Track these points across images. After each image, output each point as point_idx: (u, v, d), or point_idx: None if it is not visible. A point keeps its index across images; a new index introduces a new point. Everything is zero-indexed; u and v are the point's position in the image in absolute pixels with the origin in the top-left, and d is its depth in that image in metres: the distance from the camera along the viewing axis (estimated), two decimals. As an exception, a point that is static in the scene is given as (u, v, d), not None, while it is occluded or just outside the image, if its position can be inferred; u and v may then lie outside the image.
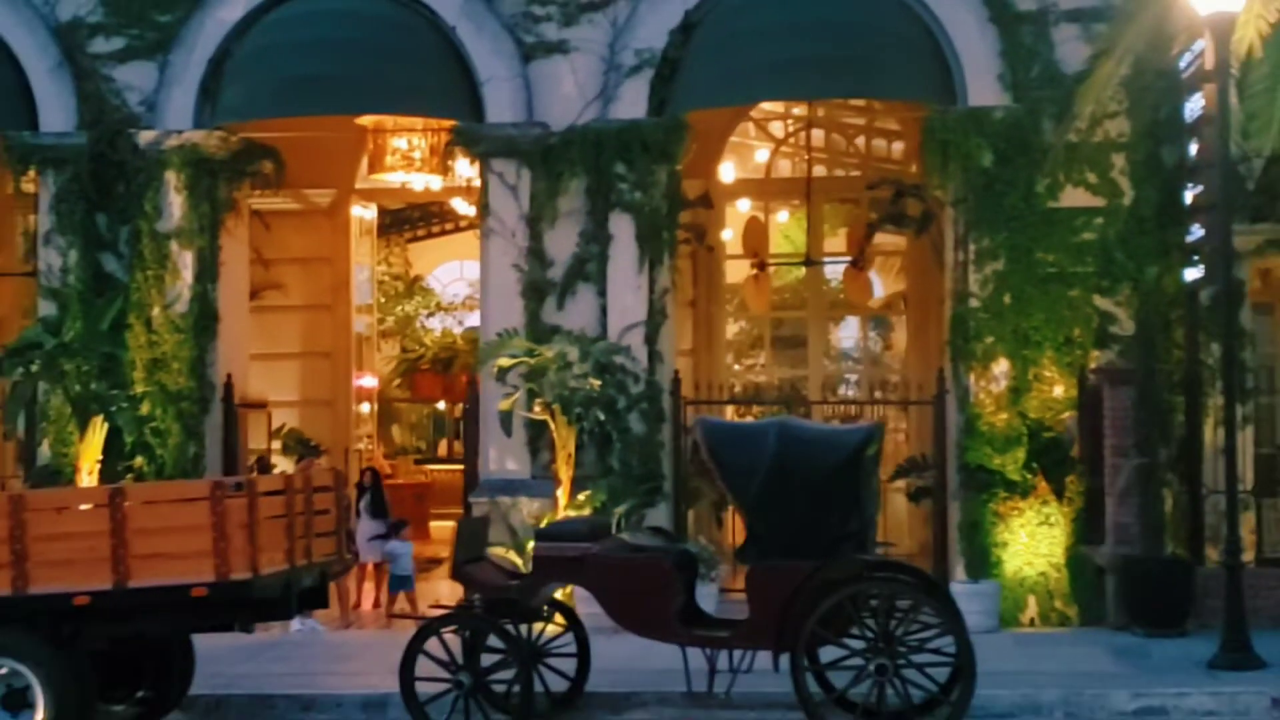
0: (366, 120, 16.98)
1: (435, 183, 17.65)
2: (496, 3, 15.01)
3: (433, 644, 9.84)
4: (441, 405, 24.52)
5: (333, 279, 18.71)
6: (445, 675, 9.69)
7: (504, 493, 14.66)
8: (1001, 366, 14.28)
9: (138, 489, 9.90)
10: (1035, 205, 14.27)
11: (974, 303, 14.35)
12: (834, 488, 9.31)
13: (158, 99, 15.40)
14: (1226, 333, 12.41)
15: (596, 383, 14.29)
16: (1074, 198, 14.31)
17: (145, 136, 15.30)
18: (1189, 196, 13.94)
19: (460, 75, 15.06)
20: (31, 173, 15.55)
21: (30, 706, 9.16)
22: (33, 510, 9.25)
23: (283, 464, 17.04)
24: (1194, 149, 13.78)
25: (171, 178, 15.27)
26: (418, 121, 16.98)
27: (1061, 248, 14.30)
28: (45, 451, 15.30)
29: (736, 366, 18.80)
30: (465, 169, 17.73)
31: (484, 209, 15.13)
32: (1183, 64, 13.84)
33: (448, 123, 16.86)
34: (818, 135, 18.41)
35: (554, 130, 14.87)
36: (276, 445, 17.65)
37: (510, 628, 9.84)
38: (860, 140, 19.59)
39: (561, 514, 14.15)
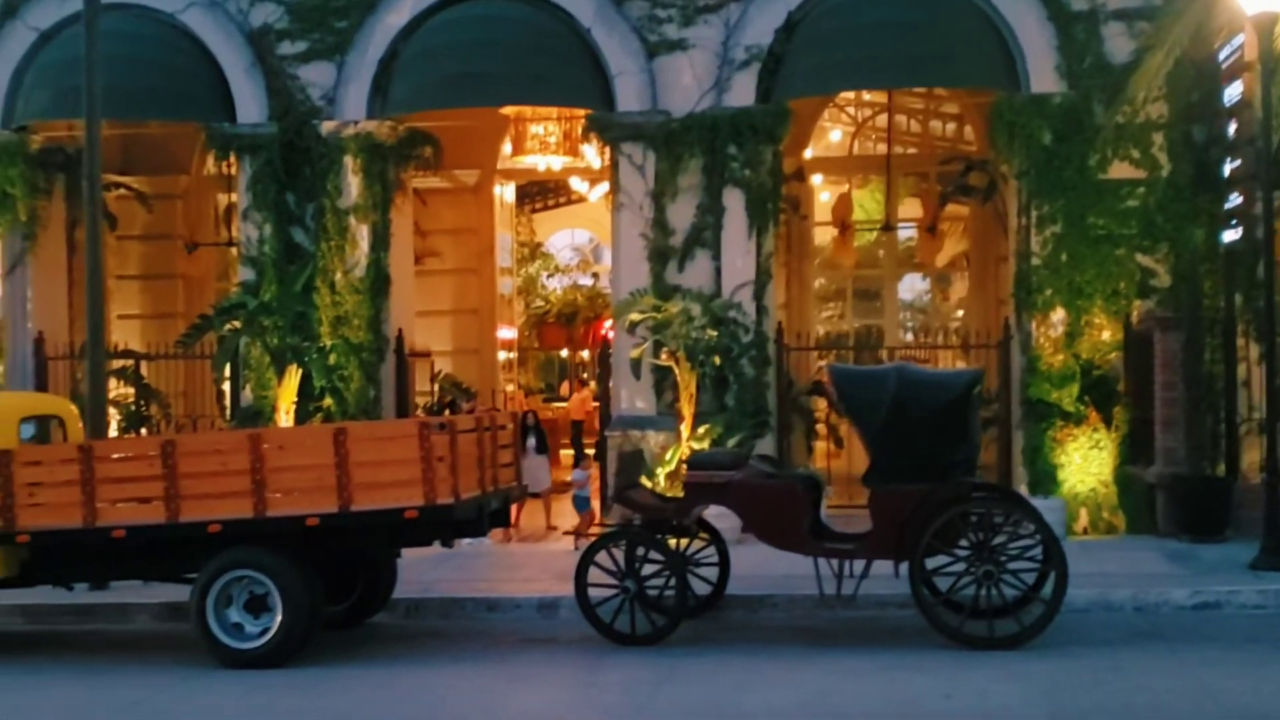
0: (509, 110, 16.91)
1: (563, 163, 17.56)
2: (625, 6, 14.88)
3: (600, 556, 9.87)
4: (564, 353, 24.52)
5: (478, 247, 18.76)
6: (612, 583, 9.70)
7: (634, 427, 14.78)
8: (1058, 315, 14.32)
9: (357, 428, 9.99)
10: (1087, 177, 14.29)
11: (1035, 261, 14.29)
12: (946, 421, 9.34)
13: (337, 94, 15.41)
14: (1267, 284, 12.22)
15: (714, 333, 14.34)
16: (1120, 171, 14.34)
17: (327, 126, 15.36)
18: (1227, 170, 13.64)
19: (594, 70, 14.94)
20: (231, 158, 15.66)
21: (270, 610, 9.34)
22: (269, 445, 9.34)
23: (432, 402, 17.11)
24: (1232, 129, 13.46)
25: (349, 162, 15.38)
26: (553, 111, 16.90)
27: (1109, 213, 14.27)
28: (247, 395, 15.48)
29: (822, 316, 18.65)
30: (589, 152, 17.76)
31: (615, 186, 15.06)
32: (1221, 56, 13.51)
33: (579, 111, 16.86)
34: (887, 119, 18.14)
35: (675, 117, 14.73)
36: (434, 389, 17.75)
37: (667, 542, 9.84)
38: (919, 122, 19.27)
39: (684, 445, 14.20)
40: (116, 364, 17.48)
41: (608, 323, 24.46)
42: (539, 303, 23.38)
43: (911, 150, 18.36)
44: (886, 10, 14.13)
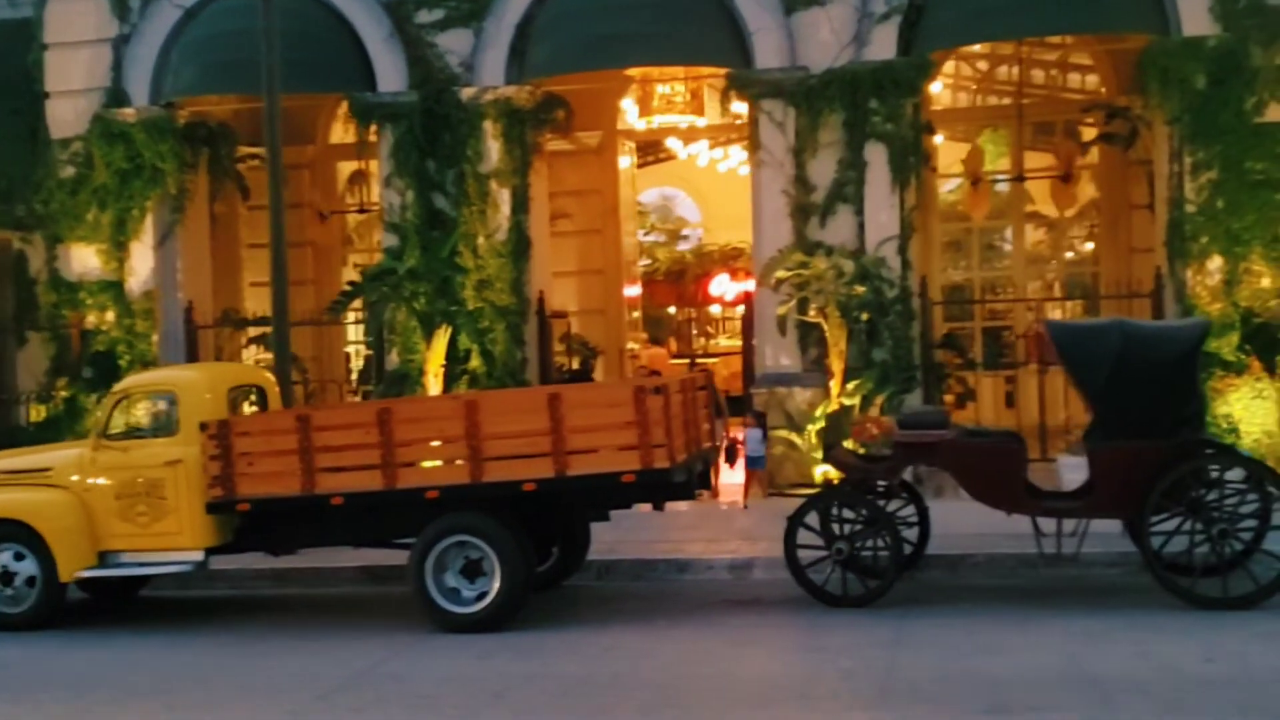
0: (635, 70, 16.50)
1: (689, 122, 17.14)
2: (761, -37, 14.37)
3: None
4: (672, 309, 24.19)
5: (602, 207, 18.40)
6: (818, 544, 9.44)
7: (780, 384, 14.43)
8: (1215, 262, 13.69)
9: (572, 392, 9.74)
10: (1244, 121, 13.58)
11: (1190, 208, 13.68)
12: (1173, 376, 8.90)
13: (474, 60, 15.09)
14: None
15: (861, 289, 13.91)
16: (1278, 113, 13.48)
17: (466, 93, 15.06)
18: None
19: (730, 28, 14.48)
20: (372, 126, 15.37)
21: (485, 574, 9.17)
22: (484, 411, 9.13)
23: (567, 364, 16.89)
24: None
25: (488, 127, 15.06)
26: (679, 70, 16.45)
27: (1268, 157, 13.60)
28: (393, 359, 15.31)
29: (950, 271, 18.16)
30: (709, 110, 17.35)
31: (755, 144, 14.64)
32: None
33: (705, 70, 16.41)
34: (1013, 71, 17.51)
35: (814, 73, 14.28)
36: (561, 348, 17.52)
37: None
38: (1043, 72, 18.60)
39: (834, 401, 13.87)
40: (253, 331, 17.57)
41: (717, 278, 24.32)
42: (646, 260, 23.04)
43: (1038, 99, 17.75)
44: (1030, -42, 13.57)
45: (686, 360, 21.14)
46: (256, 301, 18.09)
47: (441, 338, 14.99)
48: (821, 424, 13.96)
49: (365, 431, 9.12)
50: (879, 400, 13.98)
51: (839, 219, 14.57)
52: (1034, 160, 17.85)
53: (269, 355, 17.88)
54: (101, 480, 9.61)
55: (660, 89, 16.86)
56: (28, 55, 16.08)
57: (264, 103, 12.59)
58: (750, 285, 23.03)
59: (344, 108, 16.31)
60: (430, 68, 15.29)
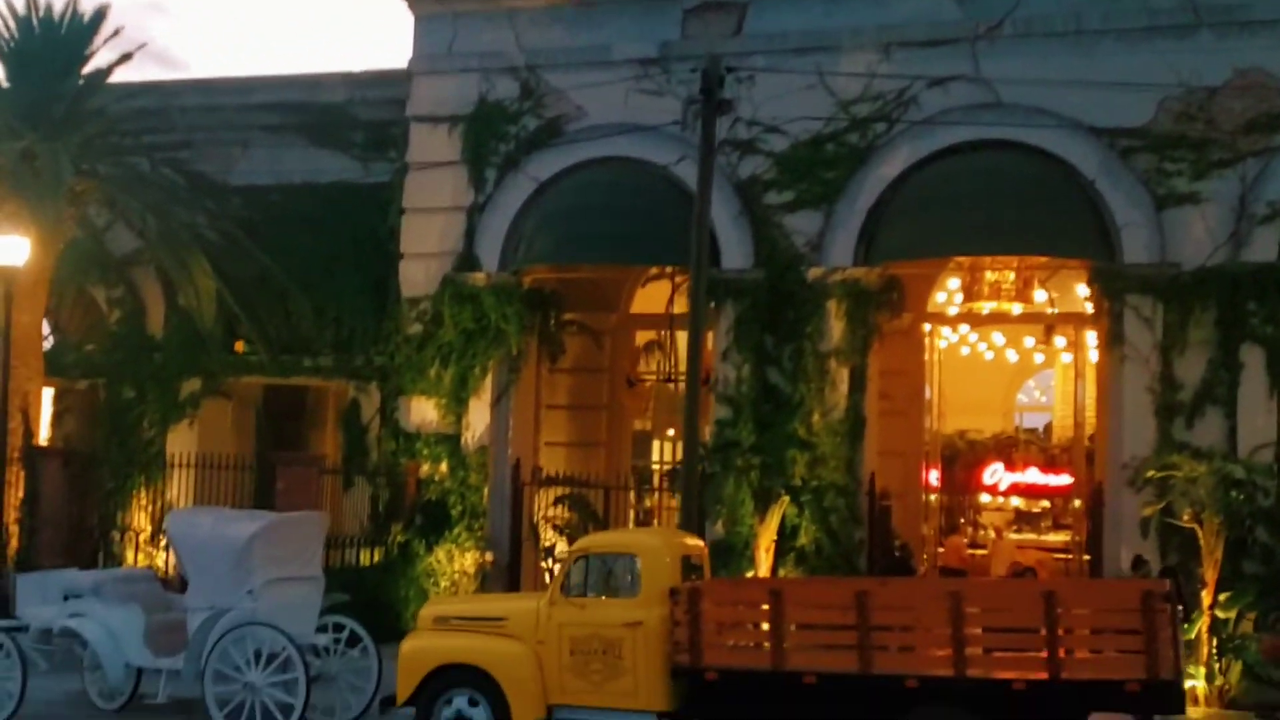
0: (964, 257, 16.06)
1: (1020, 309, 16.54)
2: (1131, 159, 13.87)
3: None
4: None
5: (908, 389, 17.74)
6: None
7: (1137, 589, 13.25)
8: None
9: (1074, 590, 9.00)
10: None
11: None
12: None
13: (823, 241, 14.83)
14: None
15: (1239, 495, 12.82)
16: None
17: (813, 273, 14.74)
18: None
19: (1095, 220, 13.95)
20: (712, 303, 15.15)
21: None
22: (970, 602, 8.44)
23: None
24: None
25: (832, 306, 14.66)
26: (1012, 259, 15.96)
27: None
28: (718, 530, 14.72)
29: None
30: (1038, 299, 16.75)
31: (1116, 338, 13.87)
32: None
33: (1035, 259, 15.89)
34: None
35: (1185, 269, 13.59)
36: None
37: None
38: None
39: (1206, 612, 12.68)
40: (556, 490, 17.31)
41: (992, 466, 23.32)
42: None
43: None
44: None
45: (981, 550, 20.09)
46: (549, 460, 17.87)
47: (776, 513, 14.38)
48: (1191, 635, 12.79)
49: (841, 612, 8.54)
50: (1251, 615, 12.80)
51: (1207, 420, 13.64)
52: None
53: (571, 514, 17.68)
54: (557, 635, 9.29)
55: (989, 275, 16.37)
56: (381, 218, 16.56)
57: (689, 276, 12.41)
58: (1033, 476, 22.26)
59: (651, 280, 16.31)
60: (775, 247, 15.12)
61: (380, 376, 16.31)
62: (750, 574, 13.83)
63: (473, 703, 9.56)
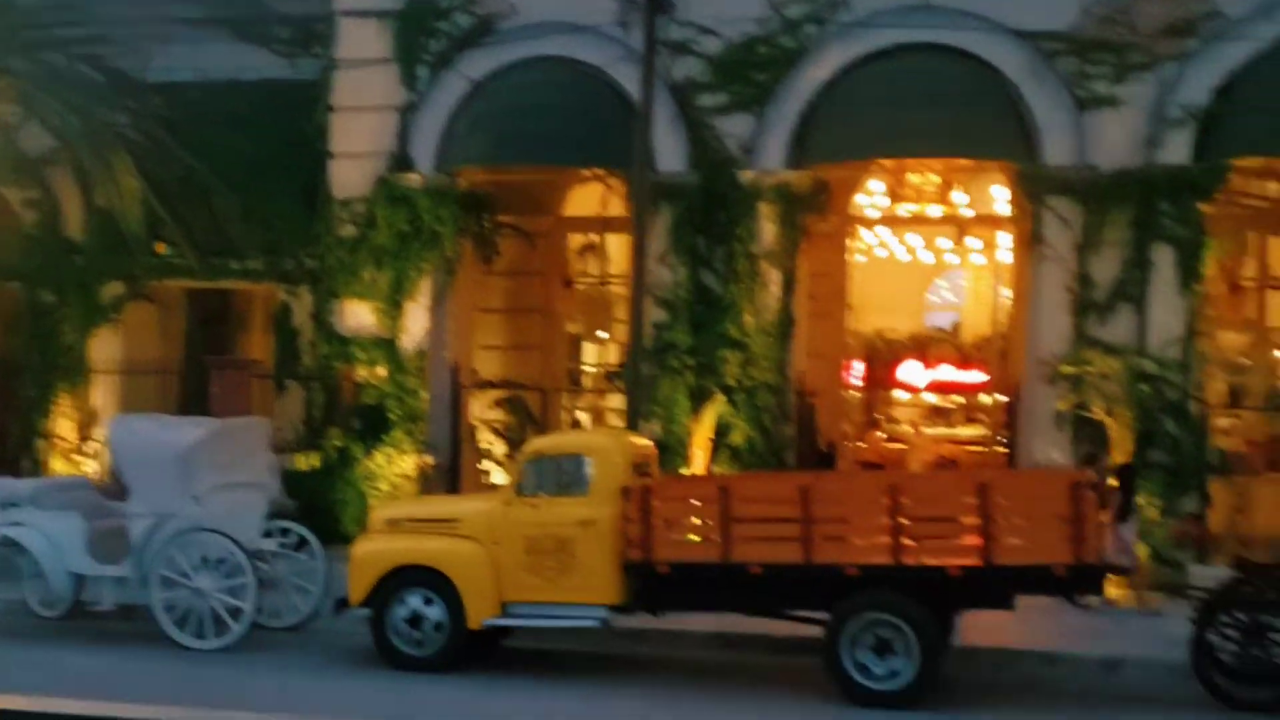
0: (889, 160, 16.36)
1: (941, 211, 16.98)
2: (1054, 62, 14.21)
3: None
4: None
5: (831, 289, 18.11)
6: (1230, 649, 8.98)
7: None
8: None
9: (1006, 480, 9.59)
10: None
11: None
12: None
13: (755, 144, 14.98)
14: None
15: (1147, 388, 13.55)
16: None
17: (745, 176, 14.91)
18: None
19: (1017, 123, 14.31)
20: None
21: (897, 653, 8.96)
22: (907, 492, 8.87)
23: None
24: None
25: (764, 209, 14.88)
26: (936, 162, 16.31)
27: None
28: (654, 430, 15.04)
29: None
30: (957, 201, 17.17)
31: (1036, 239, 14.36)
32: None
33: (958, 162, 16.25)
34: None
35: (1104, 172, 14.07)
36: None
37: None
38: None
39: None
40: (494, 393, 17.43)
41: (908, 365, 23.96)
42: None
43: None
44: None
45: (899, 445, 20.78)
46: (485, 363, 17.99)
47: (711, 412, 14.76)
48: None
49: (788, 505, 8.94)
50: (1159, 503, 13.55)
51: (1120, 318, 14.24)
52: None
53: (509, 417, 17.84)
54: (511, 534, 9.54)
55: (912, 177, 16.73)
56: (308, 117, 16.27)
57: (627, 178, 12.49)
58: (948, 373, 22.93)
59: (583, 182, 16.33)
60: (709, 150, 15.20)
61: (311, 279, 16.13)
62: (686, 472, 14.22)
63: (428, 602, 9.80)
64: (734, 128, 15.11)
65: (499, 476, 16.26)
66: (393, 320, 15.57)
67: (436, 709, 8.95)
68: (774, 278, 14.99)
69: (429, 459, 15.36)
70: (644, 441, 10.75)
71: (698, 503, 9.32)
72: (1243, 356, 16.19)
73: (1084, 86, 14.22)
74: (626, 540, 9.28)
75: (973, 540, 8.69)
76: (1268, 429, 15.81)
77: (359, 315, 15.67)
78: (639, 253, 13.02)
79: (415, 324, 15.62)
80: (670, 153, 15.20)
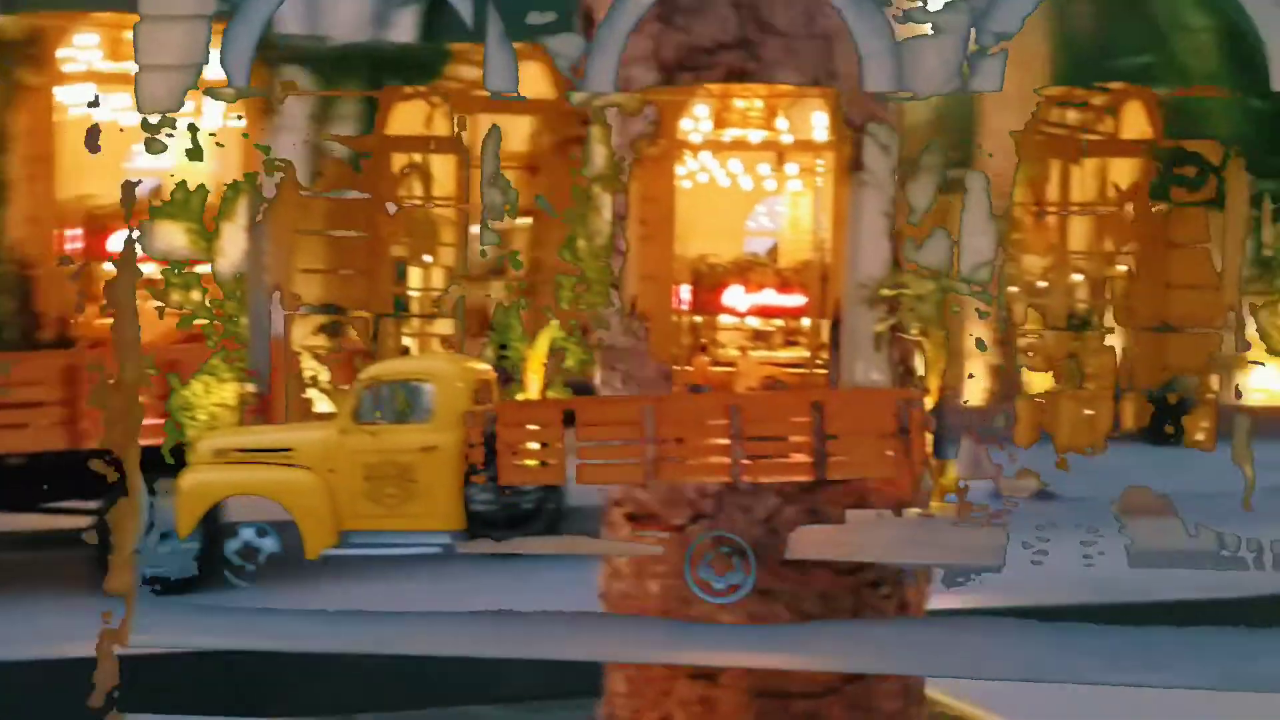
0: (716, 86, 16.44)
1: (763, 137, 17.18)
2: (875, -8, 14.52)
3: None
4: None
5: (657, 215, 18.17)
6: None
7: (871, 397, 14.56)
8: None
9: (838, 400, 10.42)
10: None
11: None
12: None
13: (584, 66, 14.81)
14: None
15: (957, 309, 14.22)
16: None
17: (576, 98, 14.73)
18: None
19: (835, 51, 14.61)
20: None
21: (735, 569, 9.24)
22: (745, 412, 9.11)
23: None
24: None
25: (595, 132, 14.79)
26: (760, 88, 16.48)
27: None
28: (489, 355, 14.93)
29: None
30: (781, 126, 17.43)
31: (856, 165, 14.76)
32: None
33: (783, 88, 16.47)
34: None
35: (919, 99, 14.51)
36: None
37: None
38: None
39: (931, 414, 14.14)
40: (316, 319, 16.90)
41: (732, 289, 24.38)
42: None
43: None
44: None
45: (725, 367, 21.17)
46: (307, 287, 17.40)
47: (545, 337, 14.73)
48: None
49: (634, 428, 9.04)
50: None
51: (935, 242, 14.85)
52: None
53: (333, 343, 17.37)
54: (349, 462, 9.35)
55: (738, 103, 16.88)
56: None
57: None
58: (769, 297, 23.46)
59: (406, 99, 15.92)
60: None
61: (117, 199, 15.24)
62: (521, 397, 14.20)
63: (261, 533, 9.60)
64: (562, 48, 14.85)
65: (324, 405, 15.90)
66: (207, 243, 14.89)
67: None
68: (605, 202, 14.98)
69: (250, 388, 14.85)
70: (484, 367, 10.67)
71: (542, 427, 9.34)
72: (1043, 280, 17.11)
73: (903, 14, 14.57)
74: (469, 466, 9.26)
75: (807, 457, 9.00)
76: (1064, 349, 16.86)
77: (171, 237, 14.91)
78: (485, 177, 12.75)
79: (232, 247, 14.96)
80: (501, 72, 14.81)
